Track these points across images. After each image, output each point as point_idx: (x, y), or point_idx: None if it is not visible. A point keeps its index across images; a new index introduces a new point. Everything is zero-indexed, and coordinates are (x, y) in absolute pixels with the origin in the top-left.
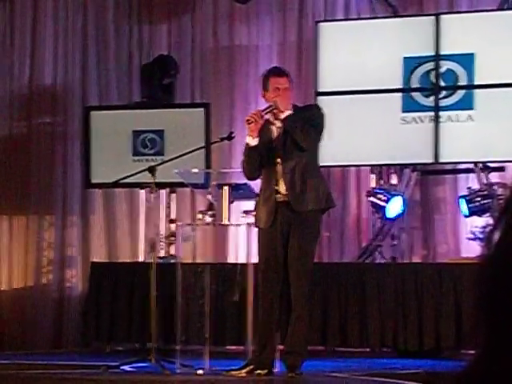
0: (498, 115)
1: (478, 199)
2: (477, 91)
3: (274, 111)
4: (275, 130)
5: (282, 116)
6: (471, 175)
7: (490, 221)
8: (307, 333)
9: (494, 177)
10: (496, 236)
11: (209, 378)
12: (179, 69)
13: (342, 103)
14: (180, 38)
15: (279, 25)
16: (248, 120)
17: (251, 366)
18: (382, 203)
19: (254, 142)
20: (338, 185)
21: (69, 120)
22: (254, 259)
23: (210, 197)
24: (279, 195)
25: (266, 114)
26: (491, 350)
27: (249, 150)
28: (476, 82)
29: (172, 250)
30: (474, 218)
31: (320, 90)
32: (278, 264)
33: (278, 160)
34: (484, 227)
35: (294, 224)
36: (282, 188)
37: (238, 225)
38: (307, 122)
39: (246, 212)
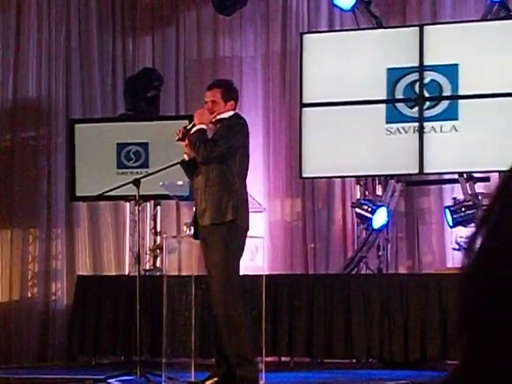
0: (483, 125)
1: (463, 209)
2: (461, 102)
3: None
4: None
5: (191, 131)
6: (456, 185)
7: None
8: (242, 343)
9: (479, 187)
10: (477, 244)
11: None
12: (163, 81)
13: (326, 114)
14: (164, 50)
15: (263, 36)
16: (176, 139)
17: (215, 379)
18: (368, 214)
19: (187, 156)
20: (323, 196)
21: (53, 133)
22: (241, 271)
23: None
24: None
25: (189, 130)
26: (473, 358)
27: (180, 164)
28: (460, 93)
29: (157, 263)
30: (459, 228)
31: (304, 101)
32: (207, 274)
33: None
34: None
35: (206, 237)
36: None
37: None
38: (212, 137)
39: None
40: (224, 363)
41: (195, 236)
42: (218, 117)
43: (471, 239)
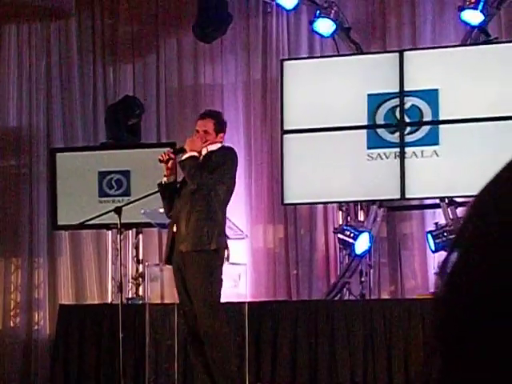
0: (464, 150)
1: (445, 234)
2: (442, 126)
3: (183, 152)
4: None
5: (183, 157)
6: (438, 210)
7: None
8: (230, 367)
9: (461, 212)
10: (449, 267)
11: None
12: (144, 109)
13: (307, 141)
14: (145, 78)
15: (244, 64)
16: (159, 159)
17: None
18: (350, 240)
19: (167, 180)
20: (305, 222)
21: (34, 162)
22: (224, 298)
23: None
24: (174, 234)
25: (176, 154)
26: (446, 381)
27: (157, 187)
28: (441, 118)
29: (140, 291)
30: (442, 253)
31: (286, 127)
32: (181, 301)
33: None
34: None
35: (185, 263)
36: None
37: None
38: (207, 165)
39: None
40: None
41: (168, 261)
42: (208, 148)
43: (444, 261)
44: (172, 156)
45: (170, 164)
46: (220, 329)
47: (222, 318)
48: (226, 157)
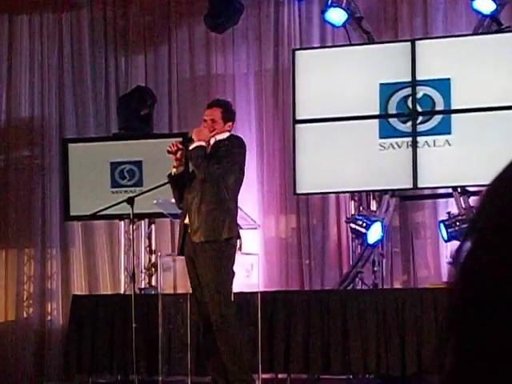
0: (476, 139)
1: (458, 224)
2: (454, 116)
3: (191, 142)
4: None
5: (190, 147)
6: (450, 200)
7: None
8: (241, 359)
9: (474, 201)
10: (463, 256)
11: None
12: (156, 99)
13: (319, 130)
14: (157, 68)
15: (255, 53)
16: (167, 150)
17: None
18: (362, 229)
19: (176, 170)
20: (317, 212)
21: (46, 153)
22: (236, 288)
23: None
24: (186, 224)
25: (184, 145)
26: (458, 373)
27: (167, 178)
28: (453, 107)
29: (153, 281)
30: (454, 242)
31: (297, 117)
32: (194, 291)
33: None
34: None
35: (197, 253)
36: (188, 218)
37: None
38: (214, 155)
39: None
40: (220, 380)
41: (181, 252)
42: (216, 137)
43: (457, 250)
44: (180, 147)
45: (178, 155)
46: (231, 318)
47: (232, 312)
48: (234, 146)
